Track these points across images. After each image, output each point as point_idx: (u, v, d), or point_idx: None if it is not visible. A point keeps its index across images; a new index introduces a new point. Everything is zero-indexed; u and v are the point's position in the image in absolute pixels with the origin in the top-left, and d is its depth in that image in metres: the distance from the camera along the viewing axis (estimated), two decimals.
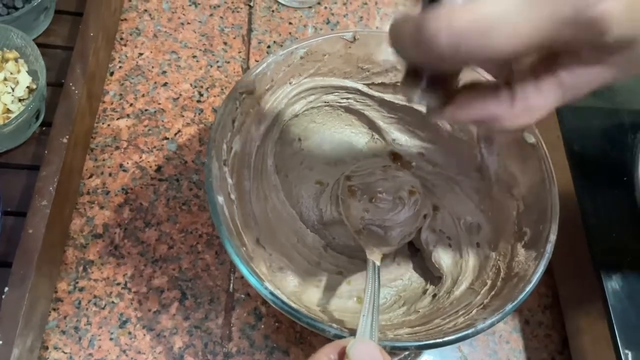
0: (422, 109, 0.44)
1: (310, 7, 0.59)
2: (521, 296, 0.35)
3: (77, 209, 0.46)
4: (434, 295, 0.42)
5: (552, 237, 0.36)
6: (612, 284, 0.40)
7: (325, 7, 0.59)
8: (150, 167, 0.49)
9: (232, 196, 0.39)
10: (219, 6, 0.58)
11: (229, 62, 0.55)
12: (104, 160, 0.48)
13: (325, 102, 0.45)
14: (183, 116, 0.51)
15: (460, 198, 0.45)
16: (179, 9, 0.57)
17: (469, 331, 0.34)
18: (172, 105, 0.52)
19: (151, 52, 0.54)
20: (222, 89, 0.53)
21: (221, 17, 0.57)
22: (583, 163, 0.44)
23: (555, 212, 0.37)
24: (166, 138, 0.50)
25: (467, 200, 0.44)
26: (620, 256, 0.40)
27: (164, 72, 0.53)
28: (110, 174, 0.48)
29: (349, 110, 0.47)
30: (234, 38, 0.56)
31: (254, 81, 0.39)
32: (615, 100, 0.47)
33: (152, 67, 0.53)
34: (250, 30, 0.57)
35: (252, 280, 0.33)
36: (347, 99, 0.45)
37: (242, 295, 0.45)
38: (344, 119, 0.48)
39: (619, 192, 0.43)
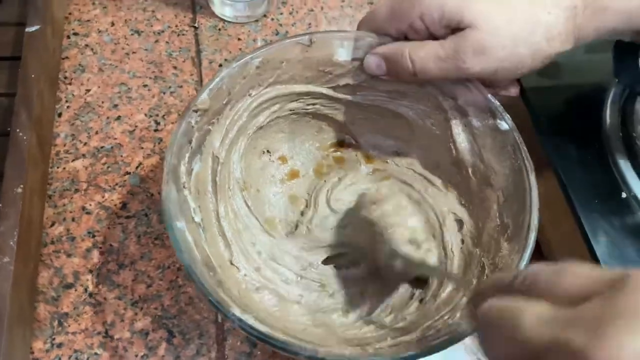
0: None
1: (256, 21, 0.58)
2: None
3: (43, 260, 0.43)
4: (421, 300, 0.41)
5: (533, 227, 0.35)
6: (603, 250, 0.39)
7: (272, 19, 0.58)
8: (115, 205, 0.46)
9: (196, 219, 0.37)
10: (162, 31, 0.56)
11: (181, 87, 0.53)
12: (64, 205, 0.46)
13: (291, 110, 0.44)
14: (142, 148, 0.49)
15: (440, 194, 0.44)
16: (122, 39, 0.55)
17: (448, 337, 0.33)
18: (128, 139, 0.49)
19: (99, 87, 0.52)
20: (179, 114, 0.51)
21: (167, 42, 0.55)
22: (555, 141, 0.43)
23: (534, 201, 0.36)
24: (127, 173, 0.48)
25: (448, 195, 0.43)
26: (607, 220, 0.40)
27: (115, 105, 0.51)
28: (73, 219, 0.45)
29: (317, 116, 0.45)
30: (184, 61, 0.54)
31: (209, 97, 0.37)
32: (566, 77, 0.47)
33: (102, 102, 0.51)
34: (199, 51, 0.55)
35: (218, 308, 0.31)
36: (314, 104, 0.44)
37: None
38: (313, 126, 0.46)
39: (595, 161, 0.42)
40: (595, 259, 0.39)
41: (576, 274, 0.23)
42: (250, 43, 0.56)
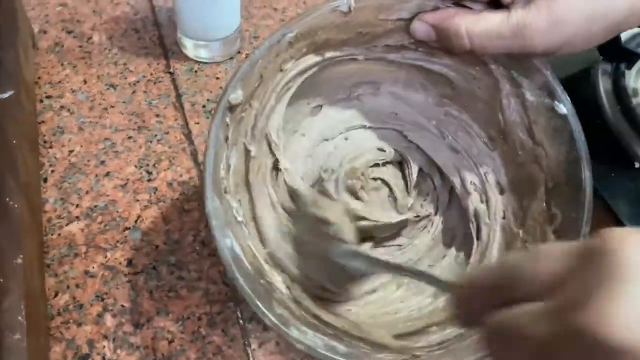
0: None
1: (231, 58, 0.57)
2: None
3: (52, 334, 0.40)
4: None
5: (586, 228, 0.34)
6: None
7: (246, 55, 0.58)
8: (120, 263, 0.43)
9: (239, 218, 0.35)
10: (138, 82, 0.54)
11: (168, 133, 0.51)
12: (65, 272, 0.43)
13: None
14: (138, 200, 0.47)
15: (484, 149, 0.42)
16: (97, 95, 0.53)
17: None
18: (122, 193, 0.47)
19: (81, 146, 0.50)
20: (170, 161, 0.49)
21: (145, 92, 0.54)
22: None
23: (588, 202, 0.34)
24: (127, 228, 0.45)
25: (492, 154, 0.41)
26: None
27: (102, 162, 0.49)
28: (77, 285, 0.42)
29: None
30: (165, 108, 0.53)
31: (242, 89, 0.34)
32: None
33: (88, 160, 0.49)
34: (179, 95, 0.54)
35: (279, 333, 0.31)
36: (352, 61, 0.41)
37: None
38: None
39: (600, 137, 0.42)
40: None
41: (549, 254, 0.22)
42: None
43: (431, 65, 0.41)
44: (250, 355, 0.40)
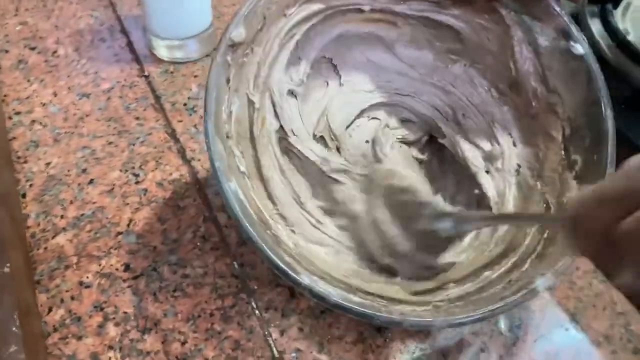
0: None
1: (207, 56, 0.55)
2: None
3: (50, 352, 0.36)
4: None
5: (610, 170, 0.33)
6: None
7: None
8: (117, 269, 0.40)
9: (242, 168, 0.34)
10: (112, 88, 0.52)
11: (150, 134, 0.48)
12: (57, 286, 0.39)
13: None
14: (127, 204, 0.44)
15: (493, 103, 0.40)
16: (70, 106, 0.50)
17: (528, 290, 0.31)
18: (109, 199, 0.44)
19: (59, 157, 0.46)
20: (157, 161, 0.46)
21: (120, 97, 0.51)
22: None
23: (611, 136, 0.33)
24: (119, 233, 0.42)
25: (503, 109, 0.40)
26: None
27: (84, 170, 0.45)
28: (72, 298, 0.38)
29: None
30: (144, 110, 0.50)
31: (244, 27, 0.32)
32: None
33: (68, 170, 0.45)
34: (157, 97, 0.51)
35: (287, 276, 0.30)
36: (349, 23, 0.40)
37: (293, 354, 0.36)
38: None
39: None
40: None
41: None
42: None
43: (438, 16, 0.39)
44: (273, 345, 0.37)
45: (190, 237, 0.42)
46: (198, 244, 0.41)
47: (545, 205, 0.36)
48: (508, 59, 0.38)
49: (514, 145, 0.39)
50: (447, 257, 0.37)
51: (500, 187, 0.39)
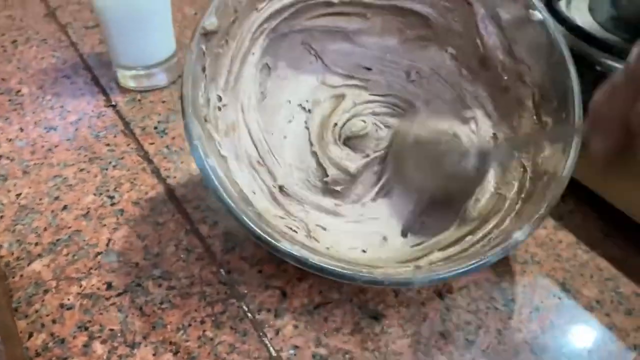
0: None
1: (174, 82, 0.56)
2: (555, 194, 0.33)
3: None
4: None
5: (579, 123, 0.34)
6: None
7: None
8: (99, 289, 0.38)
9: (223, 152, 0.34)
10: (80, 119, 0.51)
11: (123, 158, 0.48)
12: (37, 311, 0.37)
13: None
14: (105, 225, 0.42)
15: (466, 81, 0.42)
16: (38, 139, 0.49)
17: (506, 244, 0.31)
18: (85, 222, 0.43)
19: (30, 187, 0.45)
20: (131, 183, 0.46)
21: (89, 127, 0.51)
22: None
23: (576, 95, 0.34)
24: (99, 253, 0.41)
25: (475, 84, 0.41)
26: None
27: (57, 197, 0.44)
28: (54, 321, 0.36)
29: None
30: (115, 137, 0.50)
31: (216, 16, 0.34)
32: None
33: (40, 199, 0.44)
34: (126, 123, 0.51)
35: (267, 243, 0.31)
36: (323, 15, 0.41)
37: (291, 351, 0.35)
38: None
39: None
40: None
41: None
42: (178, 104, 0.53)
43: (406, 4, 0.41)
44: (269, 344, 0.36)
45: (172, 250, 0.41)
46: (182, 256, 0.40)
47: (522, 169, 0.37)
48: (475, 37, 0.40)
49: (489, 118, 0.40)
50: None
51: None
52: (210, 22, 0.33)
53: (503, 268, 0.40)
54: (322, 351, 0.35)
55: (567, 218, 0.44)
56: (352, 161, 0.42)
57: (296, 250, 0.30)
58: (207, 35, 0.33)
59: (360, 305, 0.38)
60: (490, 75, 0.40)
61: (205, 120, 0.33)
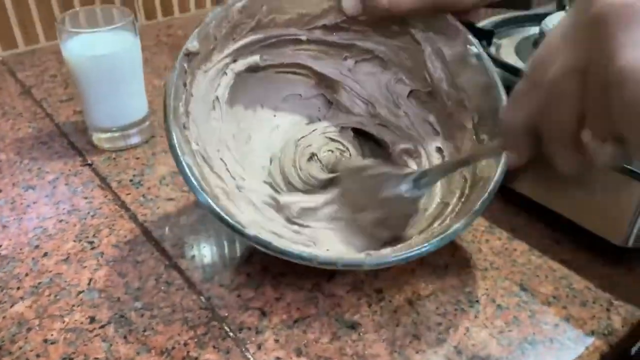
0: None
1: (147, 142, 0.59)
2: (489, 190, 0.37)
3: None
4: None
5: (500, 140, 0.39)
6: None
7: (161, 137, 0.60)
8: (82, 323, 0.39)
9: (199, 160, 0.38)
10: (57, 178, 0.54)
11: (100, 208, 0.50)
12: (20, 348, 0.38)
13: (265, 61, 0.46)
14: (85, 267, 0.44)
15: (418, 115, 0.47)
16: (17, 197, 0.51)
17: (448, 232, 0.36)
18: (66, 266, 0.44)
19: (10, 239, 0.47)
20: (110, 228, 0.48)
21: (66, 184, 0.53)
22: None
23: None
24: (81, 292, 0.42)
25: (425, 121, 0.46)
26: None
27: (37, 246, 0.46)
28: (37, 355, 0.37)
29: (292, 66, 0.48)
30: (92, 190, 0.52)
31: (198, 41, 0.38)
32: None
33: (21, 249, 0.46)
34: (103, 179, 0.54)
35: (235, 229, 0.34)
36: (293, 50, 0.46)
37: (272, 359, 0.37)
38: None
39: None
40: None
41: (552, 36, 0.27)
42: (151, 159, 0.57)
43: (363, 44, 0.47)
44: (252, 358, 0.37)
45: (153, 283, 0.42)
46: (162, 288, 0.42)
47: (463, 180, 0.41)
48: (423, 72, 0.45)
49: (437, 139, 0.45)
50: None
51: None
52: (193, 45, 0.38)
53: (465, 275, 0.43)
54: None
55: (519, 230, 0.47)
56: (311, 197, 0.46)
57: (259, 234, 0.34)
58: (189, 55, 0.38)
59: (337, 317, 0.40)
60: (438, 104, 0.46)
61: (185, 127, 0.37)
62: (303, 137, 0.48)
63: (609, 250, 0.44)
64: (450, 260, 0.44)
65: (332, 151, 0.48)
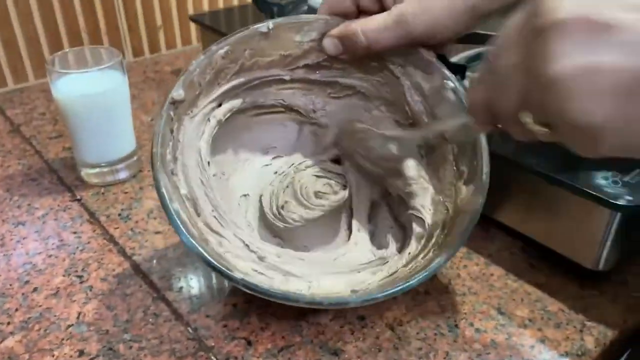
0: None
1: (134, 176, 0.61)
2: (469, 226, 0.39)
3: None
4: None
5: (486, 169, 0.41)
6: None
7: (148, 170, 0.62)
8: (71, 356, 0.40)
9: (188, 204, 0.39)
10: (47, 214, 0.55)
11: (89, 242, 0.51)
12: None
13: (253, 104, 0.48)
14: (74, 301, 0.45)
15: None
16: (7, 233, 0.52)
17: (427, 272, 0.37)
18: (55, 300, 0.45)
19: (0, 275, 0.47)
20: (99, 262, 0.49)
21: (55, 220, 0.54)
22: None
23: (483, 147, 0.41)
24: (70, 325, 0.43)
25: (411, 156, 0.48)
26: None
27: (27, 282, 0.47)
28: None
29: (278, 107, 0.49)
30: (81, 225, 0.53)
31: (183, 89, 0.40)
32: None
33: (10, 284, 0.46)
34: (92, 214, 0.55)
35: (222, 272, 0.35)
36: (278, 91, 0.48)
37: None
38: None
39: None
40: None
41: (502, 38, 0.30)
42: (139, 193, 0.58)
43: (345, 80, 0.49)
44: None
45: (141, 316, 0.44)
46: (150, 320, 0.43)
47: (446, 211, 0.43)
48: (404, 105, 0.47)
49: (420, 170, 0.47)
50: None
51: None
52: (178, 93, 0.40)
53: (445, 301, 0.45)
54: None
55: (495, 255, 0.49)
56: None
57: (246, 276, 0.35)
58: (175, 103, 0.40)
59: (320, 345, 0.41)
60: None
61: (173, 174, 0.38)
62: (290, 175, 0.50)
63: (581, 273, 0.45)
64: (430, 286, 0.46)
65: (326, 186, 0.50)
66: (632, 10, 0.25)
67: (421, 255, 0.41)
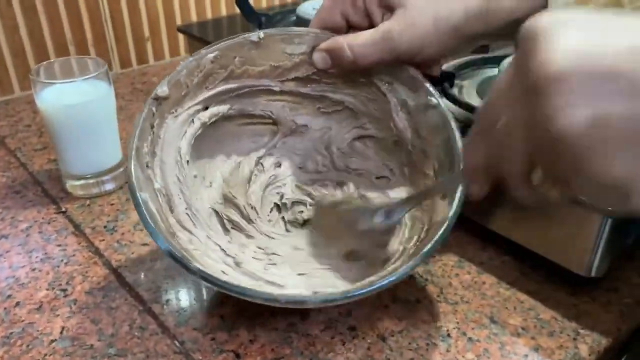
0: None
1: (121, 188, 0.60)
2: (443, 235, 0.38)
3: None
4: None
5: (460, 173, 0.40)
6: None
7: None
8: None
9: (160, 198, 0.39)
10: (30, 226, 0.54)
11: (74, 255, 0.50)
12: None
13: (240, 111, 0.47)
14: (58, 315, 0.44)
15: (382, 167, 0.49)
16: None
17: (395, 276, 0.36)
18: (39, 315, 0.44)
19: None
20: (83, 275, 0.48)
21: (40, 232, 0.53)
22: None
23: (461, 160, 0.40)
24: (53, 340, 0.42)
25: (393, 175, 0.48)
26: None
27: (9, 296, 0.46)
28: None
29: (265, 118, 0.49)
30: (65, 238, 0.52)
31: (168, 87, 0.40)
32: None
33: None
34: (77, 226, 0.54)
35: (181, 263, 0.35)
36: (266, 101, 0.47)
37: None
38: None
39: None
40: None
41: (496, 87, 0.29)
42: (125, 205, 0.57)
43: (334, 95, 0.48)
44: None
45: (127, 329, 0.42)
46: (136, 334, 0.42)
47: (421, 226, 0.42)
48: (389, 122, 0.47)
49: (402, 186, 0.47)
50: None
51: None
52: (162, 90, 0.40)
53: (437, 311, 0.44)
54: None
55: (487, 264, 0.49)
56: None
57: (205, 269, 0.35)
58: (158, 99, 0.40)
59: (311, 357, 0.40)
60: (402, 153, 0.48)
61: (147, 167, 0.39)
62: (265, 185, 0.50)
63: (573, 280, 0.45)
64: (421, 295, 0.45)
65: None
66: (629, 54, 0.23)
67: (391, 267, 0.40)
